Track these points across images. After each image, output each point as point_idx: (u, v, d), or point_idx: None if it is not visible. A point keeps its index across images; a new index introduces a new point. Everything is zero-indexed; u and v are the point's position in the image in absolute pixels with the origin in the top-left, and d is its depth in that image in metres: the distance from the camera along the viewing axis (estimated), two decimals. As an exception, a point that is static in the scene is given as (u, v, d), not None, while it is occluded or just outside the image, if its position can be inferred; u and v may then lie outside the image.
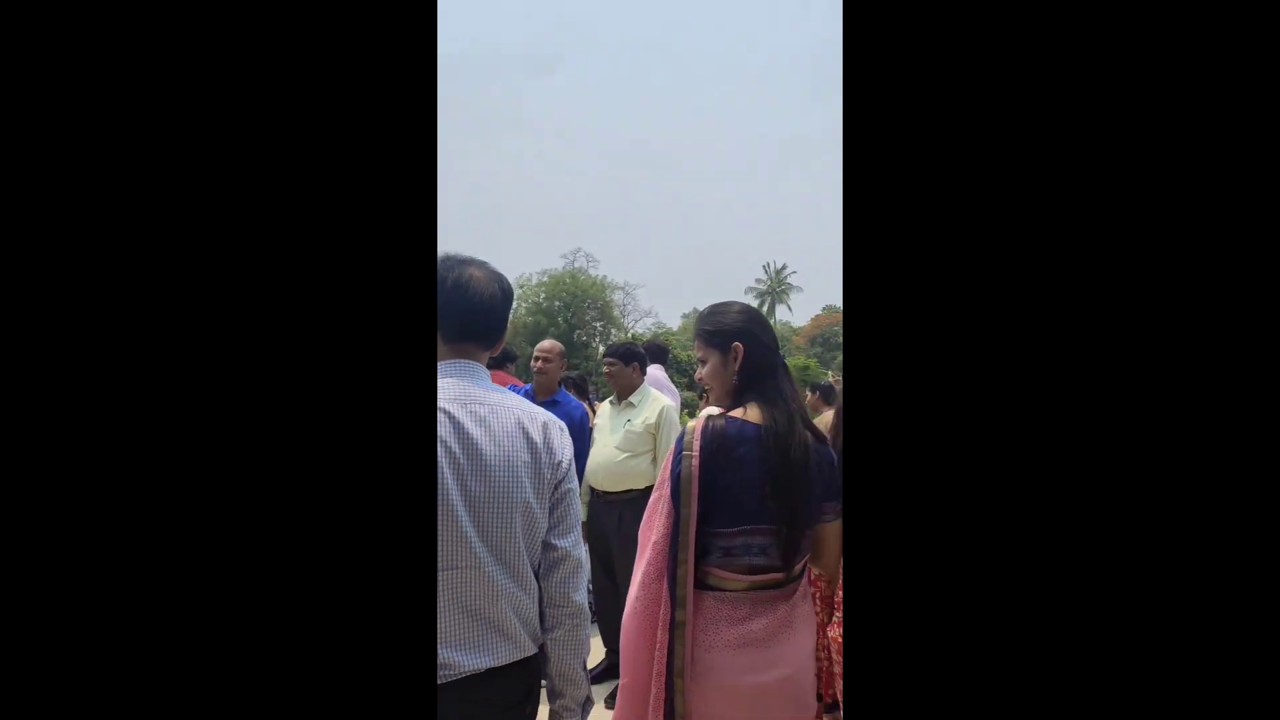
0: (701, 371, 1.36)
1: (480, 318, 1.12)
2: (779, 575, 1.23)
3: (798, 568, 1.25)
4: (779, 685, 1.21)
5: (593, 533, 2.80)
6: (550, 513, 1.12)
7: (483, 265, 1.14)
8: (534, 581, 1.10)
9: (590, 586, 3.51)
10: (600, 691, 2.75)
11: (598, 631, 3.01)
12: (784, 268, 41.80)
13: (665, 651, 1.20)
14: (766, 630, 1.21)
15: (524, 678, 1.09)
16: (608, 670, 2.86)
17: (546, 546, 1.12)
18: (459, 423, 1.04)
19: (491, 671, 1.02)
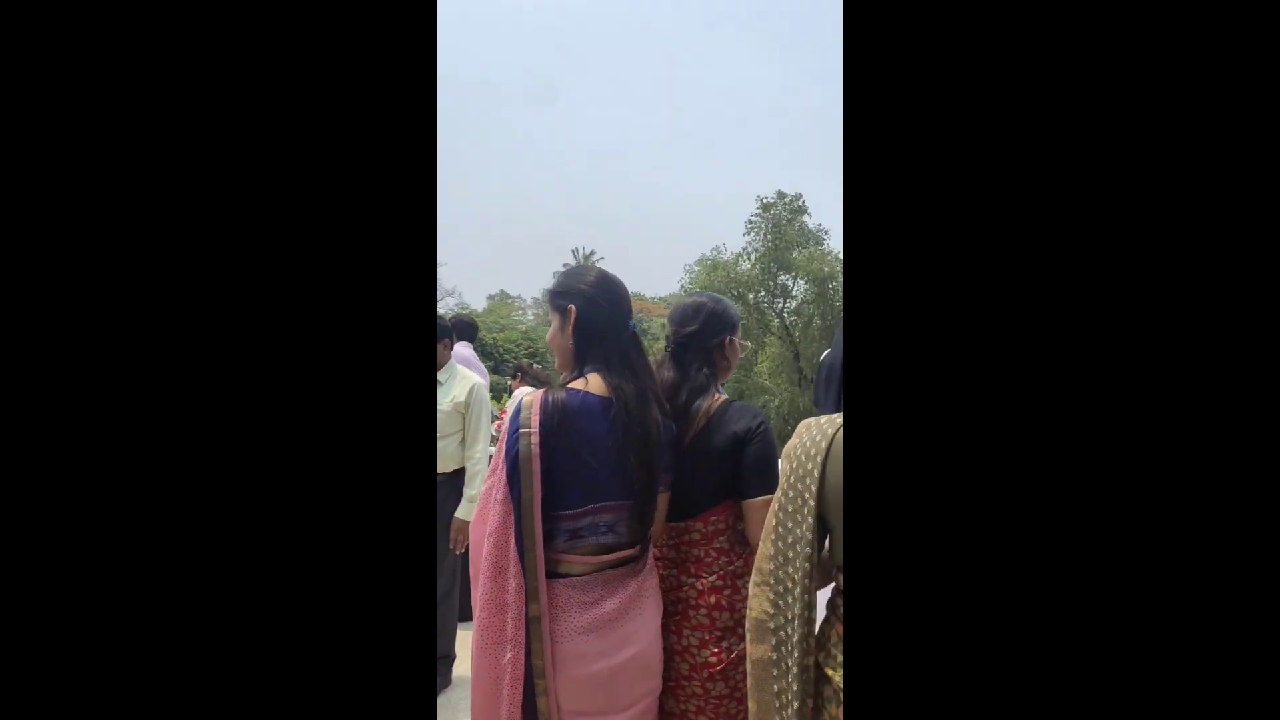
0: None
1: None
2: (630, 552, 1.19)
3: (645, 541, 1.23)
4: (631, 662, 1.18)
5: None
6: None
7: None
8: None
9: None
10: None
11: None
12: (592, 253, 42.56)
13: (522, 651, 1.11)
14: (619, 610, 1.17)
15: None
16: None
17: None
18: None
19: None
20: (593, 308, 1.24)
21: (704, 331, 1.37)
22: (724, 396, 1.35)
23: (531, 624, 1.12)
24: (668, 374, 1.37)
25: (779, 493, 1.08)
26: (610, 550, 1.18)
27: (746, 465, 1.27)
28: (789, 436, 1.14)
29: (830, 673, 1.00)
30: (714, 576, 1.30)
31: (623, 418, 1.16)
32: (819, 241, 16.33)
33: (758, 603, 1.08)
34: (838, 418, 1.03)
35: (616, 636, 1.16)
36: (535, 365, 4.33)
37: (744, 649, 1.30)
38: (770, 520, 1.08)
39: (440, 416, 2.47)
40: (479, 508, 1.20)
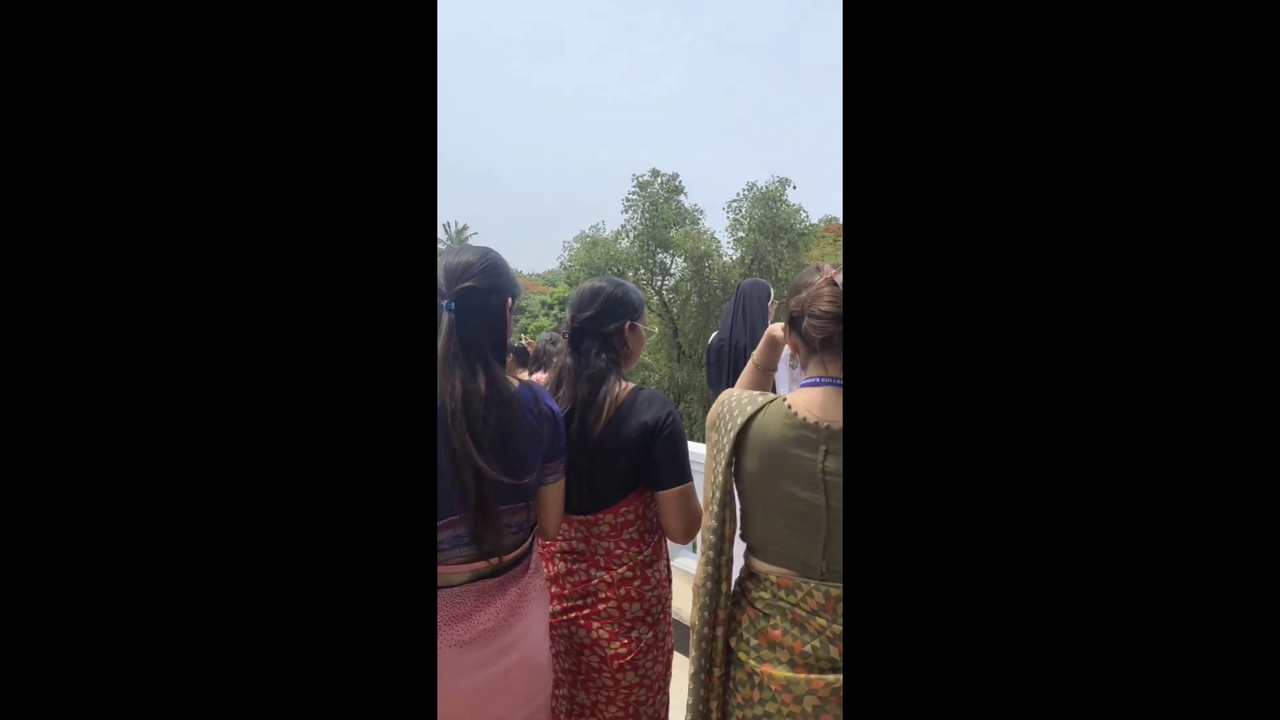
0: None
1: None
2: (507, 557, 1.11)
3: (524, 545, 1.15)
4: (513, 670, 1.11)
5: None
6: None
7: None
8: None
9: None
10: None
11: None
12: (465, 228, 40.92)
13: None
14: (496, 620, 1.09)
15: None
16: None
17: None
18: None
19: None
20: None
21: (601, 317, 1.33)
22: (631, 385, 1.33)
23: None
24: (568, 361, 1.33)
25: (708, 460, 1.09)
26: (475, 560, 1.09)
27: (660, 457, 1.26)
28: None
29: (743, 657, 1.03)
30: (623, 568, 1.29)
31: (447, 419, 1.03)
32: (695, 220, 16.73)
33: (697, 569, 1.10)
34: (759, 397, 1.04)
35: (494, 648, 1.09)
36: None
37: (651, 638, 1.31)
38: (706, 491, 1.09)
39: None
40: None
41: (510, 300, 1.13)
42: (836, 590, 0.94)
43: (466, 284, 1.07)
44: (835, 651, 0.94)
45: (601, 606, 1.29)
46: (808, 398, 0.99)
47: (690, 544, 1.56)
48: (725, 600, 1.06)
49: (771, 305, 2.52)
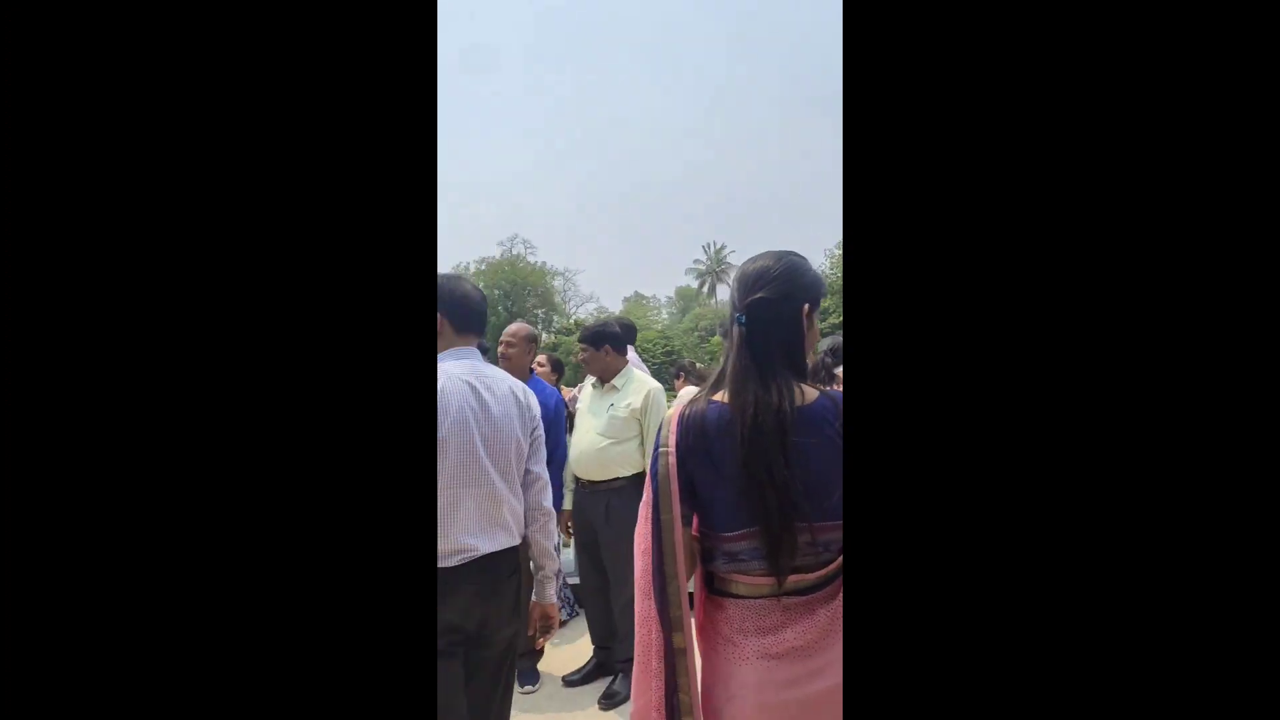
0: None
1: (478, 317, 1.60)
2: (812, 576, 1.05)
3: (833, 566, 1.06)
4: (828, 696, 1.02)
5: (578, 523, 2.64)
6: (529, 448, 1.61)
7: (464, 279, 1.65)
8: (521, 493, 1.59)
9: (567, 581, 3.35)
10: (591, 693, 2.60)
11: (586, 628, 2.85)
12: (723, 248, 42.21)
13: (661, 683, 1.03)
14: (804, 638, 1.03)
15: (514, 558, 1.55)
16: (597, 669, 2.72)
17: (527, 471, 1.61)
18: (476, 389, 1.51)
19: (494, 554, 1.49)
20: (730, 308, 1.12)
21: None
22: None
23: (675, 657, 1.02)
24: None
25: None
26: (778, 573, 1.04)
27: None
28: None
29: None
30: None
31: (741, 432, 1.01)
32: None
33: None
34: None
35: (805, 668, 1.02)
36: (698, 364, 4.30)
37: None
38: None
39: (616, 422, 2.51)
40: (639, 524, 1.11)
41: (807, 306, 1.09)
42: None
43: (758, 295, 1.06)
44: None
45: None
46: None
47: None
48: None
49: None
